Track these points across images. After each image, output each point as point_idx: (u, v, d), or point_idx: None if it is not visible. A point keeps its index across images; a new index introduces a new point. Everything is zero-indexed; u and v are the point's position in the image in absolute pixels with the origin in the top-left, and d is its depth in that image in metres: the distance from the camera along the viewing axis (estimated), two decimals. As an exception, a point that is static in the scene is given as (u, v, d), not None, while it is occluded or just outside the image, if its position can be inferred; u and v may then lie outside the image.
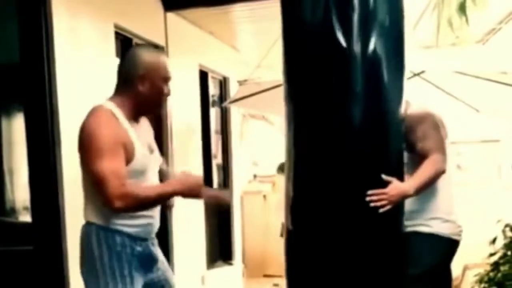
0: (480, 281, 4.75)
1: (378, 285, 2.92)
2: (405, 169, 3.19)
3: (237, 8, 6.19)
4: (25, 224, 4.28)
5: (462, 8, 5.21)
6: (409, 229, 3.30)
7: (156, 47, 5.72)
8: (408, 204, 3.19)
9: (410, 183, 3.12)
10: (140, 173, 2.91)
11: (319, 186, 2.88)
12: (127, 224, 2.91)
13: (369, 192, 2.80)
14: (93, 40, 4.56)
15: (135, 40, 5.32)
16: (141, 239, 2.99)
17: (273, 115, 9.20)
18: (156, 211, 3.04)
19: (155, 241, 3.15)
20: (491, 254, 4.73)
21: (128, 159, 2.83)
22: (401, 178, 2.97)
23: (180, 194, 2.95)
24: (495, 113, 5.90)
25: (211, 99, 7.48)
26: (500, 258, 4.63)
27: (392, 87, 2.86)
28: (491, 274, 4.64)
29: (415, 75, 4.54)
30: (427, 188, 3.30)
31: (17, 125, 4.26)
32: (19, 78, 4.08)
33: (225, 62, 7.76)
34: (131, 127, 2.90)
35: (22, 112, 4.13)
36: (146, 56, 2.91)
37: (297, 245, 3.04)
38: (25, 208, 4.29)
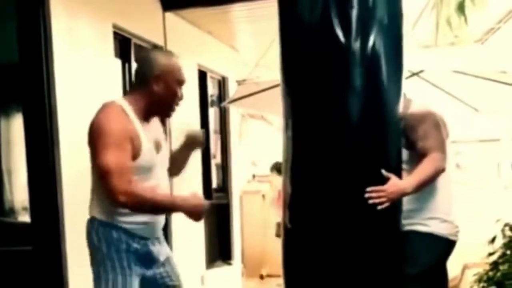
0: (479, 280, 4.74)
1: (376, 282, 2.93)
2: (405, 166, 3.20)
3: (235, 8, 6.18)
4: (24, 225, 4.27)
5: (461, 8, 5.22)
6: (407, 228, 3.30)
7: (155, 47, 5.72)
8: (407, 203, 3.19)
9: (409, 180, 3.12)
10: (147, 169, 2.95)
11: (317, 183, 2.90)
12: (125, 221, 2.95)
13: (368, 189, 2.82)
14: (92, 40, 4.56)
15: (133, 40, 5.32)
16: (139, 237, 3.00)
17: (272, 115, 9.20)
18: None
19: (160, 240, 3.18)
20: (490, 254, 4.72)
21: (135, 155, 2.87)
22: (399, 175, 2.98)
23: (184, 212, 3.00)
24: (494, 113, 5.90)
25: (210, 99, 7.48)
26: (499, 257, 4.62)
27: (391, 84, 2.88)
28: (490, 273, 4.63)
29: (414, 74, 4.53)
30: (426, 187, 3.30)
31: (16, 125, 4.26)
32: (17, 78, 4.07)
33: (224, 62, 7.76)
34: (141, 124, 2.95)
35: (21, 112, 4.12)
36: (163, 58, 2.99)
37: (295, 243, 3.05)
38: (24, 208, 4.28)
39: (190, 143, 3.35)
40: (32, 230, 4.07)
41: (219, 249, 7.75)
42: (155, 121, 3.14)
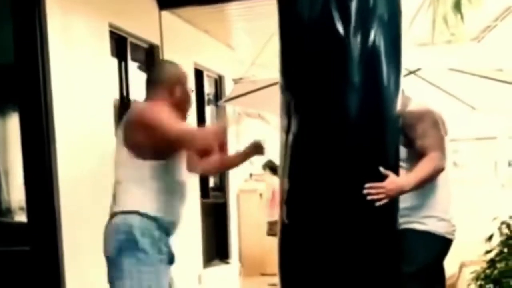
0: (477, 278, 4.74)
1: (373, 279, 2.94)
2: (403, 164, 3.20)
3: (232, 6, 6.18)
4: (21, 224, 4.26)
5: (457, 6, 5.22)
6: (404, 226, 3.30)
7: (151, 45, 5.72)
8: (408, 200, 3.19)
9: (408, 178, 3.13)
10: (177, 165, 3.24)
11: (315, 179, 2.90)
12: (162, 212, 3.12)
13: (367, 185, 2.83)
14: (88, 39, 4.55)
15: (130, 39, 5.31)
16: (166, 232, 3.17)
17: (269, 114, 9.19)
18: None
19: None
20: (488, 252, 4.72)
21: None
22: (396, 173, 2.99)
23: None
24: (491, 111, 5.89)
25: (206, 98, 7.47)
26: (496, 255, 4.62)
27: (390, 81, 2.88)
28: (488, 271, 4.63)
29: (410, 72, 4.53)
30: (424, 185, 3.30)
31: (12, 125, 4.24)
32: (13, 78, 4.06)
33: (220, 61, 7.76)
34: None
35: (17, 111, 4.11)
36: (178, 68, 3.36)
37: (292, 239, 3.05)
38: (21, 208, 4.27)
39: (253, 150, 3.70)
40: (29, 230, 4.07)
41: (216, 248, 7.75)
42: None
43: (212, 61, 7.45)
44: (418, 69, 4.59)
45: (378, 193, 2.84)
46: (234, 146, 8.24)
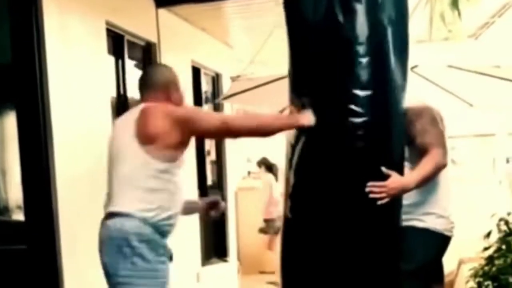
0: (475, 275, 4.75)
1: (373, 276, 2.96)
2: (406, 163, 3.22)
3: (229, 4, 6.17)
4: (18, 223, 4.25)
5: (454, 3, 5.22)
6: (404, 223, 3.31)
7: (148, 43, 5.71)
8: (409, 197, 3.20)
9: (411, 177, 3.14)
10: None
11: (321, 176, 2.94)
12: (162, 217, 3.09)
13: (370, 183, 2.85)
14: (85, 37, 4.54)
15: (126, 37, 5.30)
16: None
17: (266, 111, 9.19)
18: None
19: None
20: (486, 248, 4.73)
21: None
22: (401, 170, 3.02)
23: None
24: (489, 107, 5.90)
25: (204, 96, 7.46)
26: (495, 252, 4.63)
27: (396, 79, 2.92)
28: (486, 268, 4.64)
29: (408, 69, 4.53)
30: (427, 183, 3.30)
31: (9, 124, 4.24)
32: (10, 77, 4.05)
33: (218, 58, 7.75)
34: None
35: (14, 110, 4.10)
36: (171, 70, 3.47)
37: (294, 233, 3.09)
38: (18, 207, 4.26)
39: (208, 209, 3.78)
40: (27, 229, 4.06)
41: (214, 246, 7.74)
42: None
43: (210, 59, 7.44)
44: (416, 66, 4.59)
45: (380, 192, 2.86)
46: (232, 146, 8.31)
